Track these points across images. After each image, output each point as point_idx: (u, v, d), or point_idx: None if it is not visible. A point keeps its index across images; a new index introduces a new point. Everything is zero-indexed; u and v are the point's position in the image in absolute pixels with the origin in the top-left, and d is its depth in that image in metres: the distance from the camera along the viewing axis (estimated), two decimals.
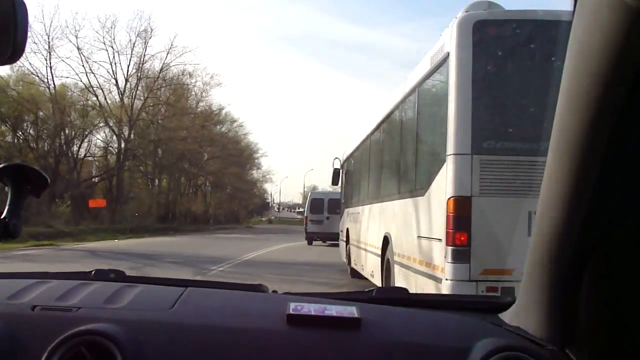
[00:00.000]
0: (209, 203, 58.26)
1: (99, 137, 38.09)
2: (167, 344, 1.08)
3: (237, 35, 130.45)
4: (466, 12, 5.11)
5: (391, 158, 8.00)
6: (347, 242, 11.96)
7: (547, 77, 4.12)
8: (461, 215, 4.75)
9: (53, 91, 33.15)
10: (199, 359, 1.08)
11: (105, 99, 36.24)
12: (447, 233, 4.84)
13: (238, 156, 57.16)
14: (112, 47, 36.93)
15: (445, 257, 4.83)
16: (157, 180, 45.71)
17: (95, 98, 35.60)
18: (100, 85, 35.73)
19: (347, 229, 12.05)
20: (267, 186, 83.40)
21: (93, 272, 1.50)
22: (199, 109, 48.43)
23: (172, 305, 1.21)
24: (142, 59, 36.99)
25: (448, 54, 5.02)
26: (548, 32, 4.80)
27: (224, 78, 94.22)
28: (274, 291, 1.46)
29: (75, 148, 35.66)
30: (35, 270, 1.67)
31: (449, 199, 4.82)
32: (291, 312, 1.15)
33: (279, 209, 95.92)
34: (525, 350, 1.05)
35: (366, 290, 1.48)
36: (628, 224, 0.87)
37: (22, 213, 1.11)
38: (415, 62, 6.56)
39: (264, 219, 77.66)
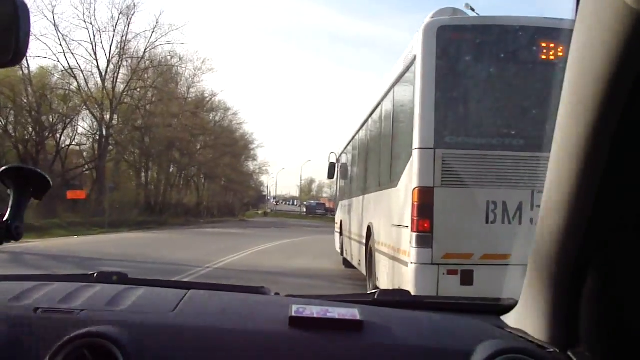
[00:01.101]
0: (202, 195, 55.44)
1: (85, 124, 34.93)
2: (169, 347, 1.07)
3: (230, 21, 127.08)
4: (432, 17, 5.48)
5: (374, 153, 8.31)
6: (341, 233, 12.33)
7: (505, 78, 5.30)
8: (424, 204, 5.09)
9: (27, 71, 30.11)
10: None
11: (86, 81, 33.21)
12: (412, 220, 5.20)
13: (232, 146, 54.22)
14: (92, 24, 34.35)
15: (410, 242, 5.18)
16: (144, 171, 42.63)
17: (74, 81, 32.57)
18: (80, 67, 32.69)
19: (341, 221, 12.46)
20: (264, 179, 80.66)
21: (95, 275, 1.51)
22: (189, 96, 45.58)
23: (174, 307, 1.20)
24: (125, 38, 33.86)
25: (415, 56, 5.36)
26: (508, 36, 5.28)
27: (217, 65, 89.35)
28: (277, 293, 1.47)
29: (57, 136, 32.78)
30: None
31: (414, 189, 5.19)
32: (293, 314, 1.15)
33: (277, 202, 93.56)
34: (527, 352, 1.04)
35: (368, 292, 1.52)
36: (630, 226, 0.88)
37: (24, 215, 1.10)
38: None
39: (260, 211, 74.88)
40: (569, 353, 1.02)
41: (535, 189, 5.05)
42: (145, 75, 36.23)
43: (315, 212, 70.02)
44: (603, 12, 0.71)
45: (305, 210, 73.34)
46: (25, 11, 0.89)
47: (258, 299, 1.35)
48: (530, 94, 5.25)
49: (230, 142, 54.92)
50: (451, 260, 5.10)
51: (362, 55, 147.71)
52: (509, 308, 1.32)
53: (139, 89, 36.38)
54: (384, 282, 6.68)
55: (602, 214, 0.87)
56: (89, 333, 1.05)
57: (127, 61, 34.76)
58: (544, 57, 5.14)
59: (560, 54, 5.01)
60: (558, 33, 5.02)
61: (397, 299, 1.46)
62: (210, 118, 52.57)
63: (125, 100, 35.04)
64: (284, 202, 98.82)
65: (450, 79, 5.28)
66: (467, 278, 5.07)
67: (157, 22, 36.32)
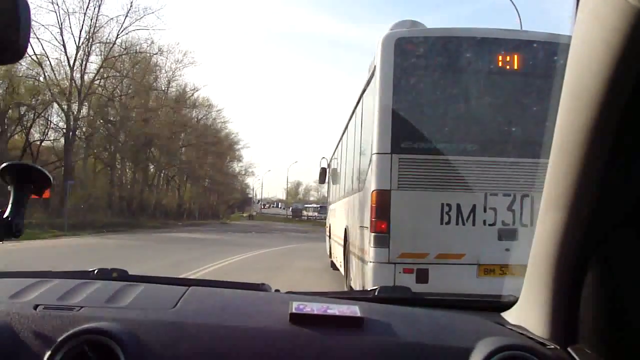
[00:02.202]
0: (183, 196, 52.41)
1: (58, 118, 31.52)
2: (169, 343, 1.06)
3: (214, 15, 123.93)
4: (391, 30, 5.73)
5: (350, 158, 8.62)
6: (329, 236, 12.33)
7: (459, 87, 5.50)
8: (382, 206, 5.30)
9: None
10: (201, 358, 1.06)
11: (53, 69, 29.91)
12: (371, 222, 5.43)
13: (216, 145, 51.21)
14: (59, 6, 32.21)
15: (370, 242, 5.41)
16: (119, 169, 39.45)
17: (40, 68, 29.32)
18: (46, 54, 29.42)
19: (330, 225, 12.57)
20: (250, 181, 77.79)
21: (95, 271, 1.51)
22: (170, 90, 42.59)
23: (174, 304, 1.19)
24: (95, 22, 30.41)
25: (375, 67, 5.60)
26: (462, 47, 5.48)
27: (201, 60, 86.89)
28: (277, 290, 1.47)
29: (22, 129, 29.63)
30: None
31: (372, 192, 5.42)
32: (294, 311, 1.13)
33: (264, 205, 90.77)
34: (527, 349, 1.03)
35: (369, 289, 1.50)
36: (630, 223, 0.88)
37: (24, 212, 1.11)
38: None
39: (245, 214, 71.98)
40: (569, 349, 1.02)
41: (487, 192, 5.21)
42: (119, 65, 33.14)
43: (302, 215, 67.45)
44: (603, 9, 0.70)
45: (291, 213, 70.51)
46: (26, 7, 0.86)
47: (258, 296, 1.37)
48: (484, 101, 5.44)
49: (213, 140, 52.05)
50: (407, 260, 5.25)
51: (353, 57, 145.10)
52: (509, 305, 1.33)
53: (111, 78, 33.24)
54: (354, 280, 6.84)
55: (600, 212, 0.87)
56: (89, 330, 1.04)
57: (98, 48, 31.60)
58: (497, 66, 5.34)
59: (520, 63, 5.28)
60: (511, 44, 5.38)
61: (397, 295, 1.47)
62: (193, 115, 49.73)
63: (97, 91, 31.84)
64: (268, 205, 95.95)
65: (407, 88, 5.46)
66: (422, 276, 5.16)
67: (130, 5, 33.33)
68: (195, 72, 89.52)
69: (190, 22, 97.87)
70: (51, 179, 1.15)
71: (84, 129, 31.86)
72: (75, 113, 29.91)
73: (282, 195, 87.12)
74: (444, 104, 5.53)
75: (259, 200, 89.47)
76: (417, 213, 5.28)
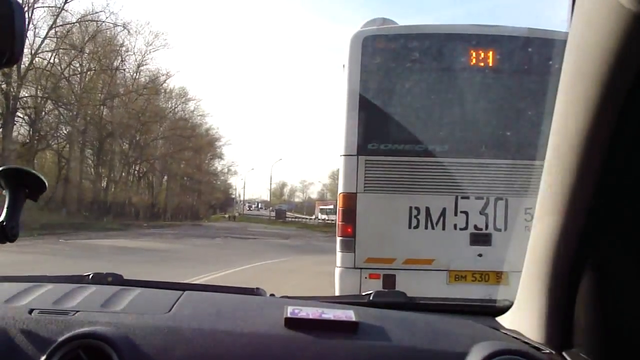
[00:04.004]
0: (157, 195, 47.32)
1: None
2: (164, 348, 1.05)
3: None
4: (362, 28, 5.40)
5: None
6: None
7: (429, 85, 5.15)
8: (348, 209, 5.08)
9: None
10: None
11: None
12: (337, 225, 5.28)
13: (191, 138, 46.13)
14: None
15: (337, 246, 5.19)
16: (77, 161, 34.18)
17: None
18: None
19: None
20: (232, 180, 72.82)
21: (90, 276, 1.49)
22: (139, 75, 37.52)
23: (169, 308, 1.18)
24: None
25: (344, 66, 5.34)
26: (432, 44, 5.15)
27: (174, 45, 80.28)
28: (272, 295, 1.46)
29: None
30: None
31: (339, 194, 5.26)
32: (289, 315, 1.12)
33: (250, 207, 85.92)
34: (522, 353, 1.02)
35: (364, 294, 1.45)
36: (625, 228, 0.87)
37: (20, 216, 1.10)
38: None
39: (227, 215, 66.95)
40: (564, 354, 1.01)
41: (459, 195, 4.93)
42: (75, 38, 28.01)
43: (286, 217, 62.66)
44: (598, 12, 0.70)
45: (274, 214, 65.59)
46: (20, 11, 0.86)
47: (253, 300, 1.34)
48: (454, 100, 5.13)
49: (191, 134, 47.13)
50: (373, 265, 4.99)
51: (339, 54, 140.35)
52: (504, 309, 1.32)
53: (63, 53, 28.02)
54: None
55: (595, 217, 0.86)
56: (84, 334, 1.03)
57: (45, 15, 26.25)
58: (468, 63, 5.04)
59: (489, 60, 5.00)
60: (484, 39, 5.07)
61: (392, 300, 1.44)
62: (169, 106, 44.79)
63: (41, 66, 26.61)
64: (255, 206, 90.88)
65: (375, 87, 5.20)
66: (389, 282, 4.87)
67: None
68: (171, 60, 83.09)
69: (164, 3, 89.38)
70: (46, 183, 1.13)
71: (27, 111, 26.66)
72: (15, 91, 24.67)
73: (266, 196, 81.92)
74: (413, 103, 5.17)
75: (244, 202, 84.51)
76: (385, 217, 5.02)
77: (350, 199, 5.02)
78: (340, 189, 5.19)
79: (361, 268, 4.98)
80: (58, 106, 28.49)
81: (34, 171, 1.13)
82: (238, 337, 1.07)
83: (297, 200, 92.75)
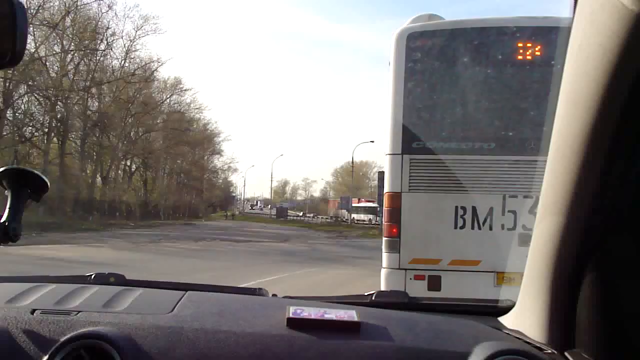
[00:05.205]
0: (151, 192, 44.36)
1: None
2: (166, 348, 1.04)
3: None
4: (407, 25, 5.28)
5: None
6: None
7: (474, 82, 4.95)
8: (393, 209, 5.00)
9: None
10: None
11: None
12: (383, 225, 5.23)
13: (185, 131, 43.11)
14: None
15: (382, 247, 5.12)
16: (57, 153, 31.17)
17: None
18: None
19: None
20: (233, 178, 69.93)
21: (93, 276, 1.49)
22: (129, 63, 34.53)
23: (171, 308, 1.18)
24: None
25: (389, 64, 5.26)
26: (480, 39, 5.00)
27: (166, 30, 76.37)
28: (274, 295, 1.46)
29: None
30: None
31: (384, 194, 5.15)
32: (291, 315, 1.12)
33: (252, 205, 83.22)
34: (524, 353, 1.02)
35: (366, 294, 1.44)
36: (627, 228, 0.87)
37: (21, 217, 1.10)
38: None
39: (229, 214, 63.99)
40: (566, 354, 1.01)
41: (506, 194, 4.81)
42: (50, 12, 25.01)
43: (287, 215, 59.52)
44: (600, 13, 0.70)
45: (275, 213, 62.44)
46: (22, 11, 0.86)
47: (255, 301, 1.34)
48: (502, 96, 5.00)
49: (187, 127, 44.21)
50: (418, 266, 4.91)
51: (333, 53, 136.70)
52: (506, 309, 1.32)
53: (35, 31, 25.01)
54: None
55: (597, 217, 0.86)
56: (86, 334, 1.03)
57: None
58: (516, 58, 4.88)
59: (538, 53, 4.79)
60: (529, 32, 4.86)
61: (394, 300, 1.44)
62: (163, 97, 41.83)
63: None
64: (260, 205, 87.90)
65: (420, 84, 5.10)
66: (434, 283, 4.79)
67: None
68: (164, 49, 79.64)
69: None
70: (48, 183, 1.12)
71: None
72: None
73: (268, 194, 78.81)
74: (459, 100, 5.01)
75: (244, 200, 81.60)
76: (430, 216, 4.93)
77: (395, 199, 4.95)
78: (386, 189, 5.13)
79: (406, 269, 4.93)
80: (32, 91, 25.44)
81: (36, 171, 1.11)
82: (240, 337, 1.07)
83: (299, 198, 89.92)
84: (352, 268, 12.28)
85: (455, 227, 4.81)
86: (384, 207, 5.17)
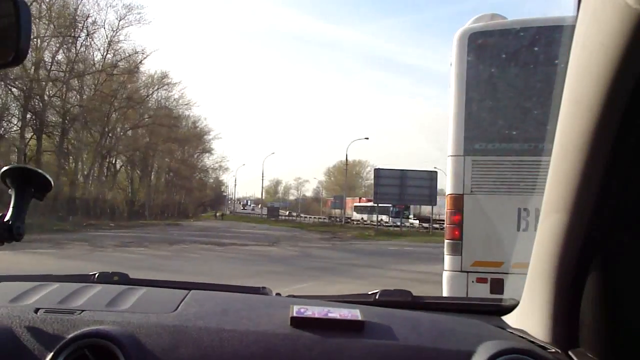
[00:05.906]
0: (136, 191, 42.52)
1: None
2: (170, 347, 1.04)
3: None
4: (470, 25, 5.27)
5: None
6: None
7: (537, 82, 4.80)
8: (455, 211, 4.99)
9: None
10: None
11: None
12: (445, 227, 5.20)
13: (172, 128, 41.26)
14: None
15: (444, 249, 5.13)
16: (29, 149, 29.24)
17: None
18: None
19: None
20: (224, 177, 68.01)
21: (96, 275, 1.49)
22: (114, 56, 32.67)
23: (175, 307, 1.17)
24: None
25: (451, 64, 5.23)
26: (542, 38, 4.93)
27: (152, 19, 73.90)
28: (278, 294, 1.46)
29: None
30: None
31: (447, 196, 5.12)
32: (295, 314, 1.12)
33: (244, 205, 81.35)
34: (528, 352, 1.01)
35: (369, 293, 1.45)
36: (631, 227, 0.87)
37: (25, 216, 1.09)
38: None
39: (218, 214, 62.21)
40: (570, 353, 1.01)
41: None
42: None
43: (278, 215, 57.70)
44: (604, 12, 0.70)
45: (267, 212, 60.62)
46: (26, 11, 0.86)
47: (259, 299, 1.34)
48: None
49: (174, 124, 42.38)
50: (480, 268, 4.86)
51: (324, 54, 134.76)
52: (510, 308, 1.32)
53: None
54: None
55: (601, 215, 0.86)
56: (90, 333, 1.02)
57: None
58: None
59: None
60: None
61: (398, 299, 1.44)
62: (150, 92, 39.97)
63: None
64: (252, 205, 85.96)
65: (482, 85, 5.07)
66: (497, 287, 4.66)
67: None
68: (150, 42, 76.96)
69: None
70: (52, 182, 1.11)
71: None
72: None
73: (259, 194, 76.97)
74: (522, 100, 4.96)
75: (234, 200, 79.68)
76: (492, 219, 4.89)
77: (457, 201, 4.97)
78: (448, 190, 5.09)
79: (468, 272, 4.92)
80: (2, 80, 23.56)
81: (40, 170, 1.11)
82: (244, 336, 1.06)
83: (291, 198, 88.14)
84: (354, 281, 9.77)
85: (519, 230, 4.75)
86: (445, 209, 5.13)
